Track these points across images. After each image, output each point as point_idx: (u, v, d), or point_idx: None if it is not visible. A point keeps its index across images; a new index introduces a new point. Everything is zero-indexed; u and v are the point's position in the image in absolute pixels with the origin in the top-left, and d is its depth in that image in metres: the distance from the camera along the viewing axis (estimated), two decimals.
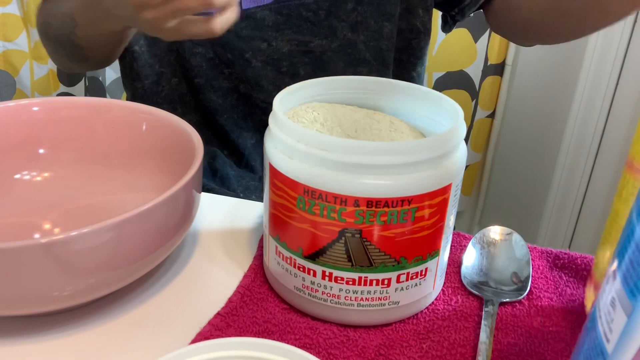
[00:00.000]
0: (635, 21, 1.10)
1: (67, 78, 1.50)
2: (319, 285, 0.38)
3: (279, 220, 0.38)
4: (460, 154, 0.37)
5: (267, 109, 0.52)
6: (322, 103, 0.44)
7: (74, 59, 0.70)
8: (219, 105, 0.72)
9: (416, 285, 0.38)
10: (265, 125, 0.39)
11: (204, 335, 0.37)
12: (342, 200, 0.34)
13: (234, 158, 0.75)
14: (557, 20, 0.66)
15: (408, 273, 0.37)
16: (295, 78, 0.71)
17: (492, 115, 1.40)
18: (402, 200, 0.34)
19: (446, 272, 0.43)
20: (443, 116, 0.41)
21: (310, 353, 0.35)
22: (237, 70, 0.70)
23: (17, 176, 0.50)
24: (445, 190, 0.35)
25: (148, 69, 0.73)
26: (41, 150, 0.50)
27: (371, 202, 0.34)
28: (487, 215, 1.51)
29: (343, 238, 0.35)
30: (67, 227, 0.44)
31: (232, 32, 0.67)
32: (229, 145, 0.74)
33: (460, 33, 1.30)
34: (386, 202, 0.34)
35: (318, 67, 0.72)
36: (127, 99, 0.70)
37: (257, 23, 0.69)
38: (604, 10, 0.60)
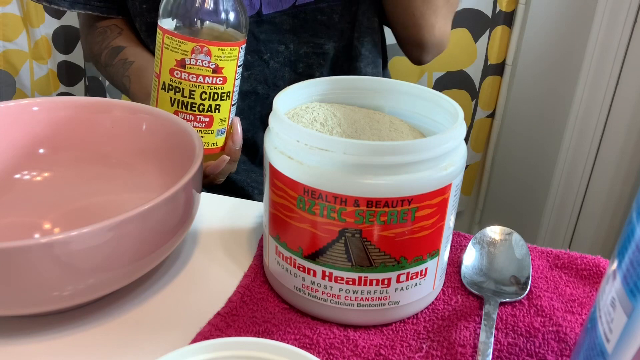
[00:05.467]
0: (635, 21, 1.10)
1: (67, 78, 1.50)
2: (319, 285, 0.38)
3: (279, 220, 0.38)
4: (460, 154, 0.37)
5: None
6: (322, 103, 0.44)
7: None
8: (238, 107, 0.74)
9: (416, 285, 0.38)
10: None
11: (204, 335, 0.37)
12: (342, 200, 0.34)
13: (248, 156, 0.78)
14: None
15: (408, 273, 0.37)
16: (311, 79, 0.75)
17: (492, 115, 1.40)
18: (402, 200, 0.34)
19: (446, 272, 0.43)
20: (443, 116, 0.41)
21: (310, 353, 0.35)
22: (256, 71, 0.74)
23: (17, 176, 0.50)
24: (445, 190, 0.35)
25: None
26: (41, 150, 0.50)
27: (371, 202, 0.34)
28: (487, 215, 1.51)
29: (343, 238, 0.35)
30: (67, 227, 0.44)
31: (252, 36, 0.72)
32: (245, 144, 0.77)
33: (460, 33, 1.30)
34: (386, 202, 0.34)
35: (331, 68, 0.76)
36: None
37: (276, 27, 0.72)
38: None
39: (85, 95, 1.49)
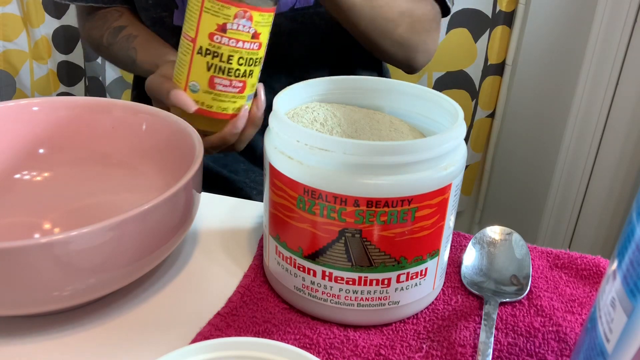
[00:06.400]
0: (635, 21, 1.10)
1: (67, 78, 1.50)
2: (319, 285, 0.38)
3: (279, 220, 0.38)
4: (460, 154, 0.37)
5: None
6: (322, 103, 0.44)
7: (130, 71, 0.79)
8: None
9: (416, 285, 0.38)
10: None
11: (204, 335, 0.37)
12: (342, 200, 0.34)
13: (247, 156, 0.78)
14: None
15: (408, 273, 0.37)
16: None
17: (492, 115, 1.40)
18: (402, 200, 0.34)
19: (446, 272, 0.43)
20: (443, 116, 0.41)
21: (310, 353, 0.35)
22: None
23: (17, 176, 0.50)
24: (445, 190, 0.35)
25: None
26: (41, 150, 0.50)
27: (371, 202, 0.34)
28: (487, 215, 1.51)
29: (343, 238, 0.35)
30: (67, 227, 0.44)
31: None
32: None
33: (460, 33, 1.30)
34: (386, 202, 0.34)
35: (328, 72, 0.75)
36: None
37: (274, 29, 0.72)
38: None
39: (85, 95, 1.49)
